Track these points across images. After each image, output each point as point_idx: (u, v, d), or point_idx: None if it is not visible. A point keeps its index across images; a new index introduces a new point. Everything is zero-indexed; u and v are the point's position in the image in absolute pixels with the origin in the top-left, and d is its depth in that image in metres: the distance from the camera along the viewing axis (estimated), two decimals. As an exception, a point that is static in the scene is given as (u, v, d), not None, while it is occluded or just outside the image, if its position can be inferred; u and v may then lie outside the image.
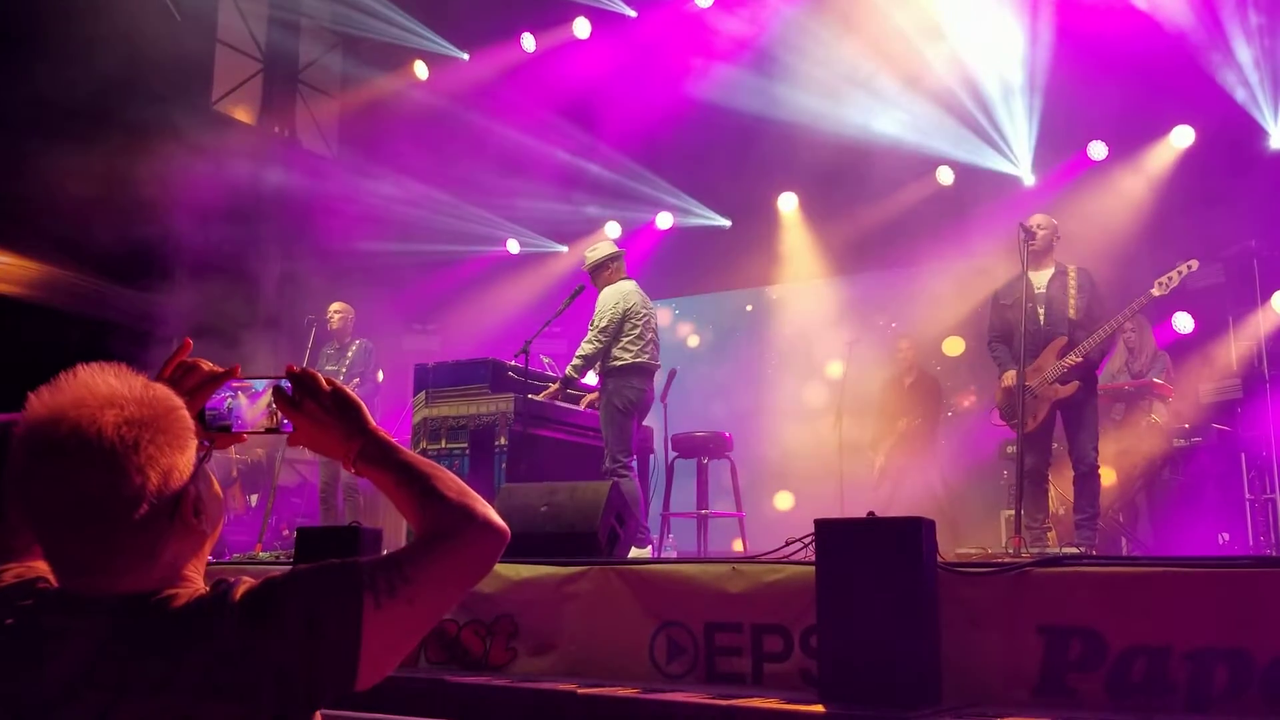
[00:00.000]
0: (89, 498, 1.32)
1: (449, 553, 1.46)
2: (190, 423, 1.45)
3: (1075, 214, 7.88)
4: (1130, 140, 8.90)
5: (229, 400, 1.69)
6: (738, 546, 7.90)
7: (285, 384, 1.60)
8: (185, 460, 1.41)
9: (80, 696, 1.30)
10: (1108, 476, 6.74)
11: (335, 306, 8.43)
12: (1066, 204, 8.43)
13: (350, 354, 8.22)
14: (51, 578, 1.46)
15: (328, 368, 8.17)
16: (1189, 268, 5.94)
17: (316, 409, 1.57)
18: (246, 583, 1.40)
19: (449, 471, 1.56)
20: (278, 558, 6.34)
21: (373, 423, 1.58)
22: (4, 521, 1.63)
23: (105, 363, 1.42)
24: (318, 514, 8.01)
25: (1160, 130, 8.80)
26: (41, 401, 1.36)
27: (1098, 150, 9.11)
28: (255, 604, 1.36)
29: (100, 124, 8.25)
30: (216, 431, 1.66)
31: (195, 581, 1.44)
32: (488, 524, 1.49)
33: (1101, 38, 8.34)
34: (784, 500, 10.08)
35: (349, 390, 1.61)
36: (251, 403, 1.70)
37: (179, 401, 1.44)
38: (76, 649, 1.32)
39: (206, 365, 1.68)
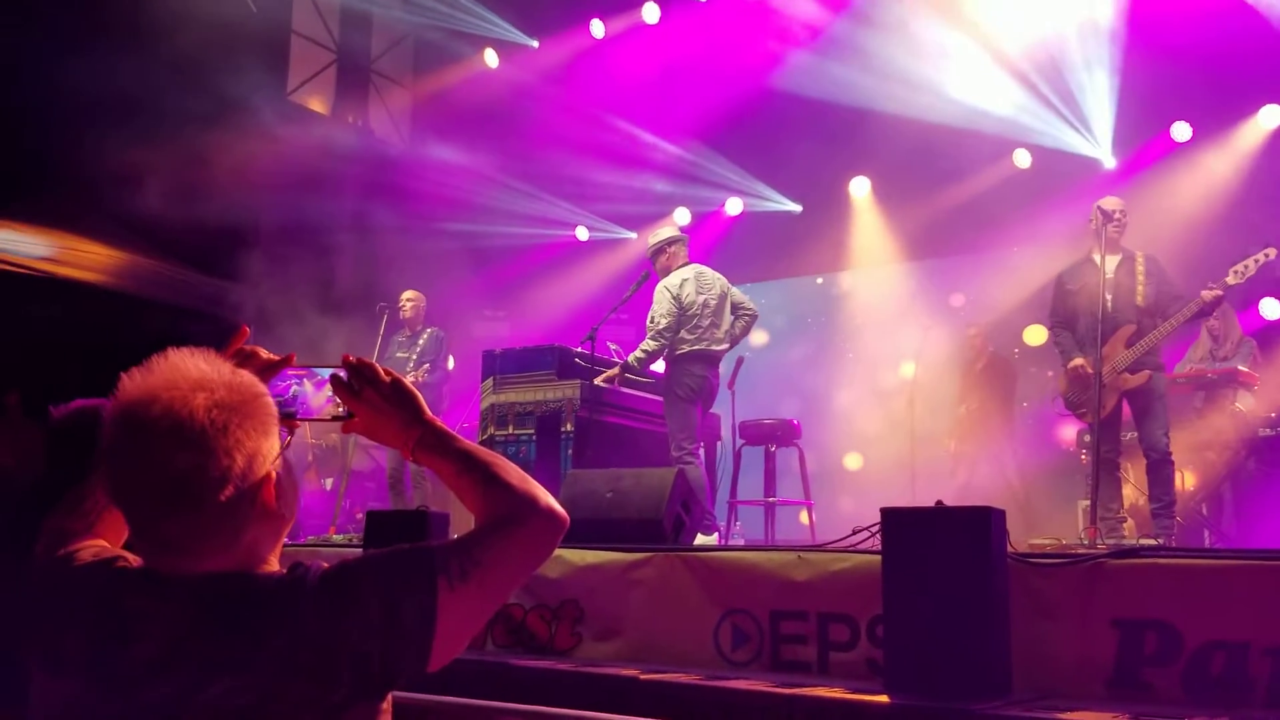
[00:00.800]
0: (179, 478, 1.35)
1: (516, 537, 1.50)
2: (274, 409, 1.49)
3: (1157, 197, 7.68)
4: (1216, 121, 8.62)
5: (294, 388, 1.72)
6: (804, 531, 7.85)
7: (342, 373, 1.63)
8: (269, 446, 1.45)
9: (165, 675, 1.34)
10: (1188, 471, 6.56)
11: (407, 295, 8.52)
12: (1148, 187, 8.21)
13: (421, 341, 8.29)
14: (128, 557, 1.50)
15: (398, 355, 8.27)
16: (1266, 256, 5.71)
17: (376, 398, 1.60)
18: (323, 566, 1.43)
19: (508, 459, 1.59)
20: (350, 540, 6.46)
21: (429, 413, 1.62)
22: (75, 502, 1.68)
23: (194, 348, 1.46)
24: (388, 498, 8.13)
25: (1248, 110, 8.52)
26: (134, 383, 1.40)
27: (1181, 131, 8.84)
28: (334, 587, 1.39)
29: (178, 114, 8.42)
30: (292, 415, 1.69)
31: (272, 565, 1.48)
32: (551, 510, 1.53)
33: (1186, 13, 8.07)
34: (853, 488, 9.98)
35: (406, 381, 1.64)
36: (317, 390, 1.73)
37: (264, 388, 1.48)
38: (161, 628, 1.36)
39: (264, 353, 1.71)
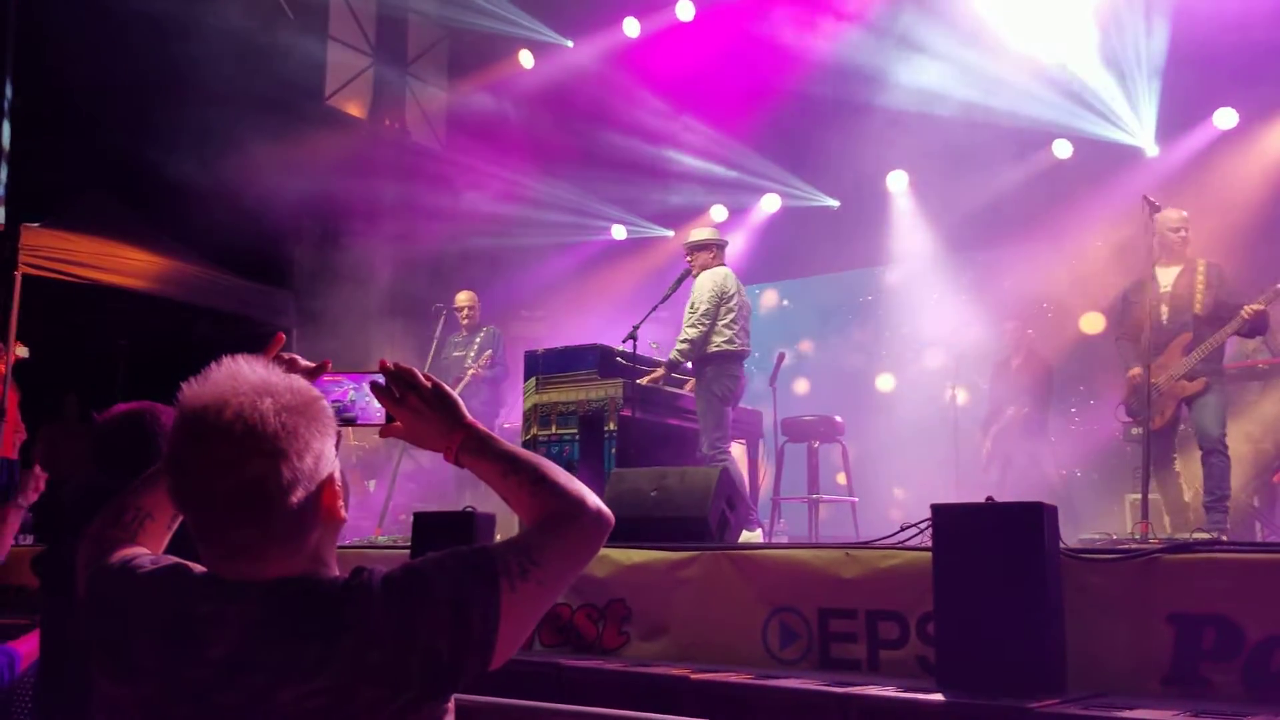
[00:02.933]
0: (252, 482, 1.36)
1: (569, 535, 1.52)
2: (331, 412, 1.49)
3: (1201, 187, 7.55)
4: (1262, 106, 8.46)
5: (351, 393, 1.73)
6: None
7: (380, 379, 1.64)
8: (330, 448, 1.46)
9: (237, 679, 1.35)
10: (1240, 463, 6.45)
11: (463, 295, 8.60)
12: (1192, 177, 8.08)
13: (478, 340, 8.37)
14: (187, 564, 1.51)
15: (454, 354, 8.34)
16: None
17: (418, 402, 1.61)
18: (385, 569, 1.44)
19: (550, 461, 1.61)
20: (395, 541, 6.49)
21: (470, 416, 1.62)
22: (117, 511, 1.69)
23: (247, 355, 1.48)
24: (434, 499, 8.18)
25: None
26: (196, 390, 1.41)
27: (1226, 118, 8.69)
28: (401, 588, 1.40)
29: (219, 123, 8.53)
30: (342, 425, 1.71)
31: (333, 568, 1.49)
32: (599, 509, 1.56)
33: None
34: (897, 484, 9.91)
35: (446, 386, 1.65)
36: (359, 395, 1.74)
37: (319, 392, 1.49)
38: (232, 634, 1.37)
39: (301, 360, 1.73)
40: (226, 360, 1.45)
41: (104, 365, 8.89)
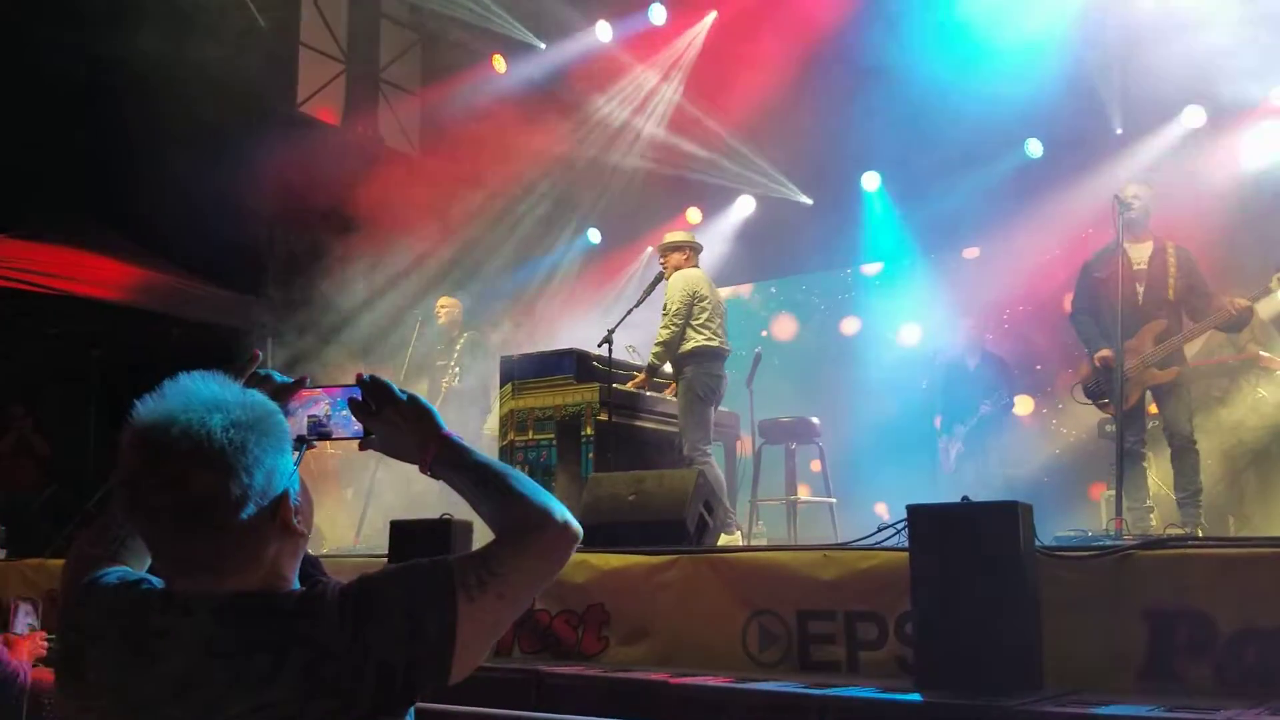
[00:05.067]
0: (199, 498, 1.37)
1: (532, 548, 1.52)
2: (288, 427, 1.51)
3: (1171, 185, 7.60)
4: (1229, 102, 8.53)
5: (326, 407, 1.74)
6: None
7: (358, 392, 1.65)
8: (285, 463, 1.47)
9: (189, 694, 1.35)
10: (1210, 458, 6.51)
11: (442, 301, 8.57)
12: (1163, 174, 8.13)
13: (459, 348, 8.33)
14: (152, 580, 1.52)
15: (438, 363, 8.31)
16: None
17: (394, 415, 1.62)
18: (342, 582, 1.45)
19: (521, 473, 1.62)
20: (372, 550, 6.46)
21: (446, 427, 1.63)
22: (100, 529, 1.69)
23: (205, 371, 1.48)
24: (414, 507, 8.14)
25: (1262, 92, 8.42)
26: (148, 407, 1.42)
27: (1194, 115, 8.77)
28: (355, 602, 1.41)
29: (190, 130, 8.46)
30: (318, 439, 1.72)
31: (291, 581, 1.49)
32: (566, 521, 1.54)
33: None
34: (874, 485, 9.95)
35: (422, 398, 1.65)
36: (335, 409, 1.74)
37: (276, 406, 1.50)
38: (184, 647, 1.37)
39: (278, 377, 1.73)
40: (183, 376, 1.45)
41: (76, 376, 8.81)
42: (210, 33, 8.48)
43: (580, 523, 1.58)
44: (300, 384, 1.73)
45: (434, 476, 1.62)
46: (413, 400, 1.63)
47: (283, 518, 1.45)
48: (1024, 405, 8.95)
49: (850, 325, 11.03)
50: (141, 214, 8.62)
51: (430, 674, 1.41)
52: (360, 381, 1.64)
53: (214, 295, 9.45)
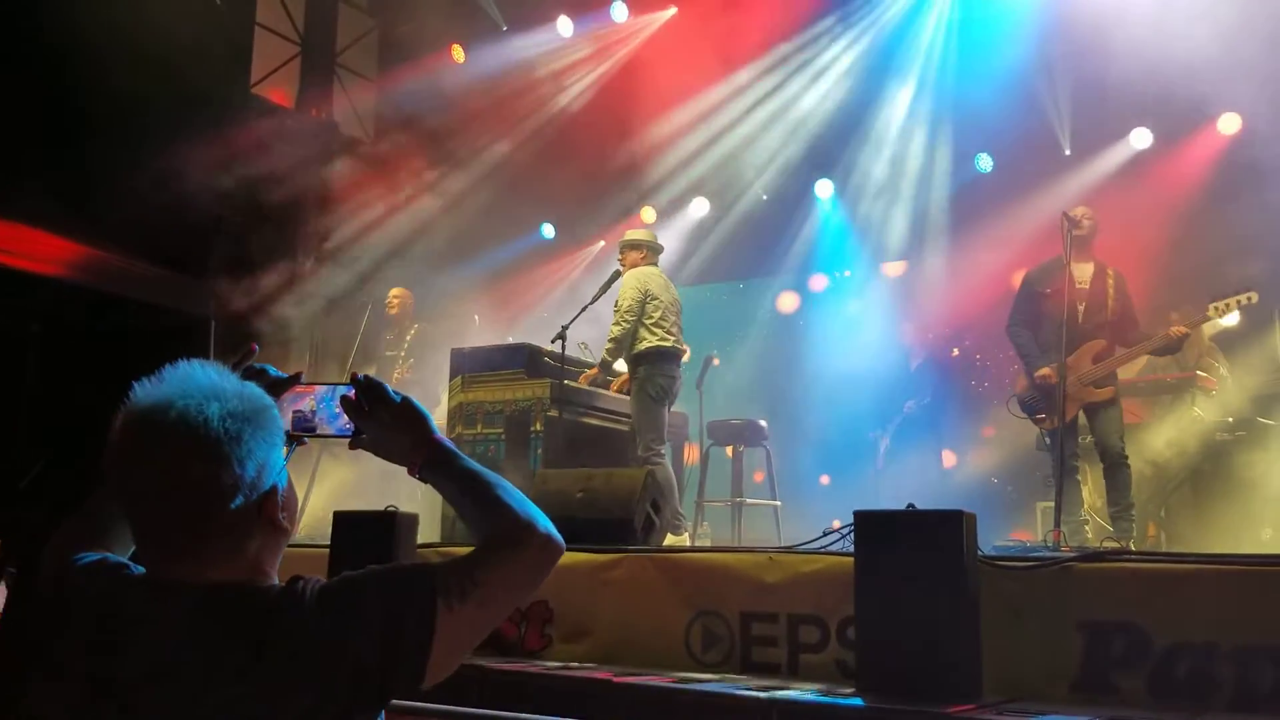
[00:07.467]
0: (191, 484, 1.37)
1: (515, 560, 1.52)
2: (281, 422, 1.51)
3: (1117, 203, 7.75)
4: (1175, 126, 8.73)
5: (312, 403, 1.73)
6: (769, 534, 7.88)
7: (350, 390, 1.65)
8: (276, 458, 1.47)
9: (163, 681, 1.35)
10: (1146, 474, 6.66)
11: (394, 291, 8.50)
12: (1107, 193, 8.30)
13: (409, 339, 8.26)
14: (132, 566, 1.52)
15: (387, 353, 8.23)
16: (1249, 299, 5.73)
17: (386, 417, 1.62)
18: (323, 580, 1.44)
19: (509, 482, 1.61)
20: (313, 539, 6.38)
21: (438, 432, 1.64)
22: (85, 515, 1.67)
23: (203, 360, 1.48)
24: (355, 497, 8.06)
25: (1207, 117, 8.63)
26: (146, 390, 1.41)
27: (1141, 138, 8.96)
28: (335, 600, 1.41)
29: (140, 107, 8.29)
30: (301, 434, 1.72)
31: (272, 577, 1.49)
32: (549, 535, 1.55)
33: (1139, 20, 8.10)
34: (822, 488, 10.04)
35: (415, 401, 1.66)
36: (324, 407, 1.74)
37: (271, 401, 1.51)
38: (161, 636, 1.37)
39: (272, 371, 1.73)
40: (183, 363, 1.45)
41: (13, 351, 8.59)
42: (165, 8, 8.31)
43: None
44: (295, 380, 1.73)
45: (422, 480, 1.62)
46: (406, 402, 1.63)
47: (269, 512, 1.45)
48: (970, 417, 9.07)
49: (802, 328, 11.11)
50: (86, 191, 8.43)
51: (405, 677, 1.42)
52: (355, 380, 1.64)
53: (158, 276, 9.27)
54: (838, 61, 9.75)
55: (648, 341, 6.64)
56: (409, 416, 1.62)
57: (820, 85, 9.82)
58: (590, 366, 7.04)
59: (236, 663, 1.34)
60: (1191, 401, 7.11)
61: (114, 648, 1.38)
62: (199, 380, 1.42)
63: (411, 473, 1.63)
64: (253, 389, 1.48)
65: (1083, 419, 6.10)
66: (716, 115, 10.35)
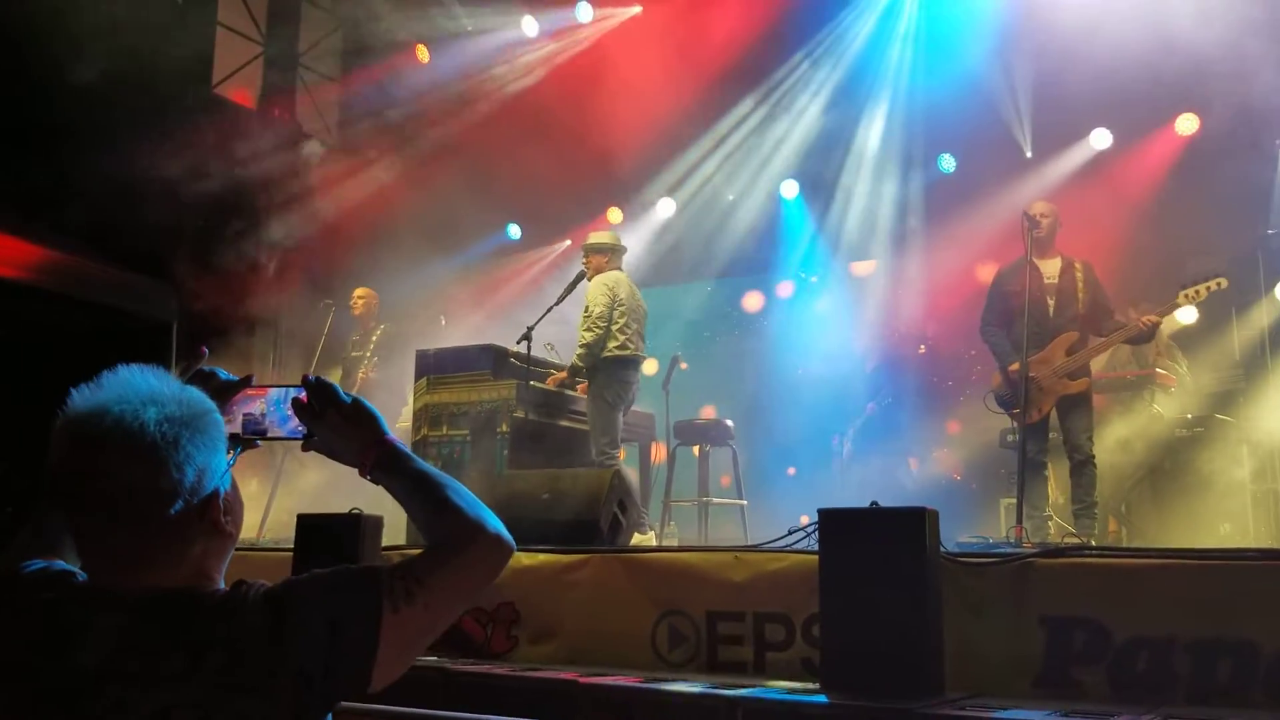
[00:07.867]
0: (128, 490, 1.36)
1: (462, 561, 1.51)
2: (223, 426, 1.50)
3: (1078, 202, 7.84)
4: (1134, 127, 8.84)
5: (263, 405, 1.72)
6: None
7: (301, 392, 1.63)
8: (218, 462, 1.46)
9: (104, 688, 1.34)
10: (1108, 471, 6.73)
11: (359, 292, 8.45)
12: (1069, 192, 8.39)
13: (374, 339, 8.21)
14: (78, 573, 1.50)
15: (353, 354, 8.18)
16: (1219, 285, 5.78)
17: (337, 418, 1.61)
18: (268, 584, 1.43)
19: (460, 484, 1.60)
20: (278, 543, 6.33)
21: (389, 432, 1.62)
22: (36, 524, 1.65)
23: (143, 364, 1.47)
24: (319, 501, 8.00)
25: (1165, 117, 8.75)
26: (83, 397, 1.40)
27: (1101, 138, 9.07)
28: (278, 605, 1.39)
29: (99, 107, 8.19)
30: (251, 437, 1.70)
31: (217, 582, 1.48)
32: (499, 536, 1.54)
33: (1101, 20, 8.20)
34: (788, 488, 10.07)
35: (366, 402, 1.65)
36: (276, 409, 1.72)
37: (213, 405, 1.49)
38: (102, 642, 1.35)
39: (222, 374, 1.72)
40: (121, 368, 1.44)
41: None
42: (125, 8, 8.21)
43: None
44: (245, 382, 1.72)
45: (373, 480, 1.61)
46: (356, 403, 1.62)
47: (212, 517, 1.44)
48: (935, 413, 9.13)
49: (767, 331, 11.15)
50: (46, 194, 8.32)
51: (350, 682, 1.41)
52: (305, 382, 1.62)
53: (118, 278, 9.16)
54: (815, 100, 9.89)
55: (608, 349, 6.67)
56: (359, 418, 1.61)
57: (793, 119, 9.96)
58: (556, 368, 7.04)
59: (175, 669, 1.33)
60: (1151, 399, 7.19)
61: (58, 654, 1.36)
62: (137, 385, 1.41)
63: (362, 474, 1.62)
64: (193, 393, 1.46)
65: (1054, 417, 6.15)
66: (685, 119, 10.38)
